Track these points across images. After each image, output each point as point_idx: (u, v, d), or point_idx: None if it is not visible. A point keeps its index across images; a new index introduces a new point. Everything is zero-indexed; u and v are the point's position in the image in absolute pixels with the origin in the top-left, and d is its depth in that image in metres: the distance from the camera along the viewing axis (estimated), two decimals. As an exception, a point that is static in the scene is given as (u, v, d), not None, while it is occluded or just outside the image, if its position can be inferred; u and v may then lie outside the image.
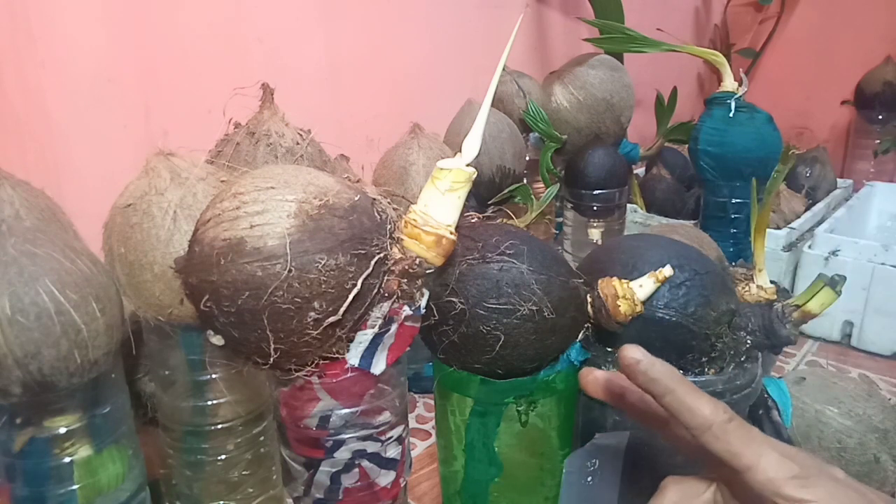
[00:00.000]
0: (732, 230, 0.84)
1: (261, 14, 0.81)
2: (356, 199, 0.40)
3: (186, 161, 0.49)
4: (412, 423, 0.76)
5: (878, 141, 1.38)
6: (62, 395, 0.42)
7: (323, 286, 0.37)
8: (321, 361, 0.40)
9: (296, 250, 0.37)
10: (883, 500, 0.31)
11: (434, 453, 0.69)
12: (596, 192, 0.93)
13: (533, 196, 0.87)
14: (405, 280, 0.40)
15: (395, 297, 0.40)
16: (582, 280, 0.48)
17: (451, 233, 0.41)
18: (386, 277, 0.40)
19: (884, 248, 0.89)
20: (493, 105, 0.42)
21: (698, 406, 0.33)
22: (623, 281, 0.47)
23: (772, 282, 0.61)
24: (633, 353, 0.34)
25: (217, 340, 0.40)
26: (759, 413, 0.56)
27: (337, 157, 0.73)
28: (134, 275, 0.48)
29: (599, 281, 0.48)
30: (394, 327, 0.41)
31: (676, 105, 1.06)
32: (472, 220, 0.48)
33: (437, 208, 0.40)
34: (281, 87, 0.60)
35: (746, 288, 0.60)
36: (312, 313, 0.37)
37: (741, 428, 0.32)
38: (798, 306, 0.58)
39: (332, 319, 0.38)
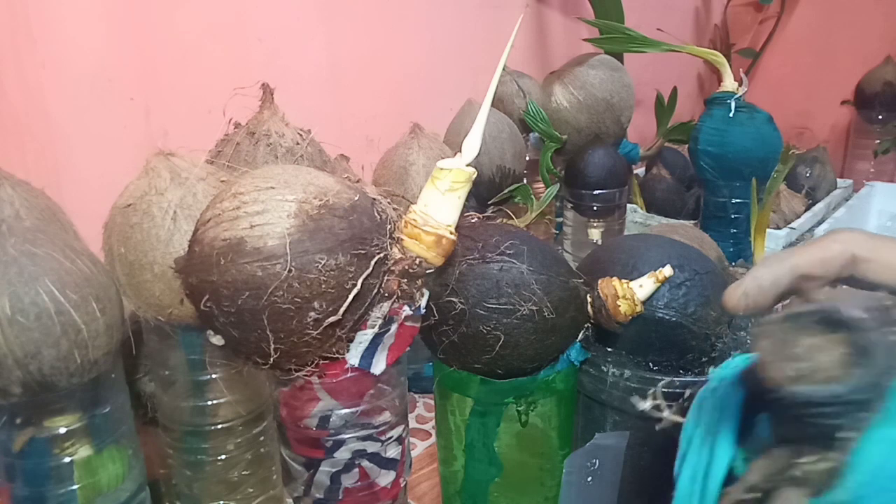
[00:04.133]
0: (732, 230, 0.84)
1: (261, 14, 0.80)
2: (356, 199, 0.40)
3: (186, 161, 0.49)
4: (412, 423, 0.76)
5: (878, 141, 1.38)
6: (62, 395, 0.42)
7: (323, 286, 0.37)
8: (321, 361, 0.40)
9: (296, 250, 0.37)
10: None
11: (434, 453, 0.68)
12: (596, 192, 0.93)
13: (533, 196, 0.87)
14: (405, 280, 0.40)
15: (395, 297, 0.40)
16: (582, 280, 0.48)
17: (451, 233, 0.41)
18: (386, 277, 0.40)
19: (884, 248, 0.89)
20: (493, 105, 0.42)
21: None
22: (623, 281, 0.47)
23: (772, 282, 0.61)
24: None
25: (217, 340, 0.40)
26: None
27: (337, 157, 0.73)
28: (134, 275, 0.48)
29: (599, 281, 0.48)
30: (394, 327, 0.41)
31: (676, 105, 1.05)
32: (472, 220, 0.48)
33: (437, 208, 0.40)
34: (281, 87, 0.60)
35: (746, 288, 0.60)
36: (312, 313, 0.37)
37: None
38: (798, 306, 0.58)
39: (332, 319, 0.38)
